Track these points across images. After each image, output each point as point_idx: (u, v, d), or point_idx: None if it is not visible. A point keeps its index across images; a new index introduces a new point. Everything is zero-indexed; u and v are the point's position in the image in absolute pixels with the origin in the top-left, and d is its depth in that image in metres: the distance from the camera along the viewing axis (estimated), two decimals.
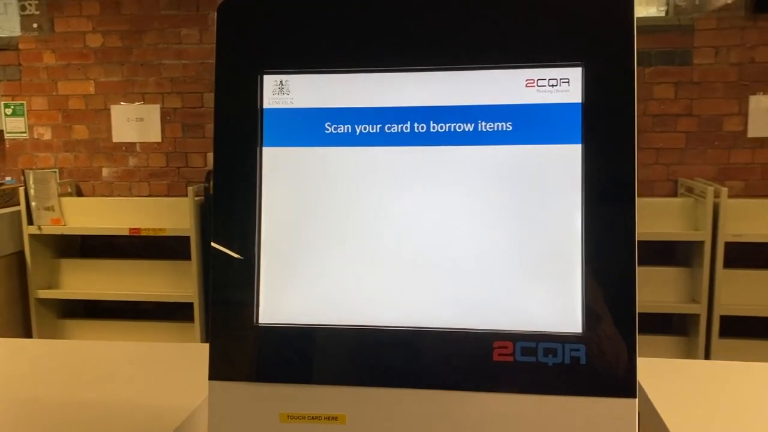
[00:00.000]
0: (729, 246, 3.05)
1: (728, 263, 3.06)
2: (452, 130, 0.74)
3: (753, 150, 3.36)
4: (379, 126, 0.75)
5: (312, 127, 0.76)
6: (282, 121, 0.77)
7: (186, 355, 1.28)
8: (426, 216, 0.74)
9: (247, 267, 0.75)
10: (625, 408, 0.69)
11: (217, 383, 0.75)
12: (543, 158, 0.72)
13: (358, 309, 0.75)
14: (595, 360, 0.70)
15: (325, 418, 0.74)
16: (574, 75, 0.72)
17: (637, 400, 0.69)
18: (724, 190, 3.02)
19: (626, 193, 0.70)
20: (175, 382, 1.13)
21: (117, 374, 1.18)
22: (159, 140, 3.82)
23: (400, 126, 0.75)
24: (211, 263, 0.76)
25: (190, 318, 3.54)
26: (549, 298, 0.72)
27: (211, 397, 0.75)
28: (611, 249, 0.70)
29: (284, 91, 0.77)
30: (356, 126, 0.75)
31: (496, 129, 0.73)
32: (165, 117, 3.81)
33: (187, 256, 3.47)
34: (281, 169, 0.77)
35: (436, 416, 0.72)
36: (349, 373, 0.73)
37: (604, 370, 0.69)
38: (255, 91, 0.77)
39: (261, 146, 0.77)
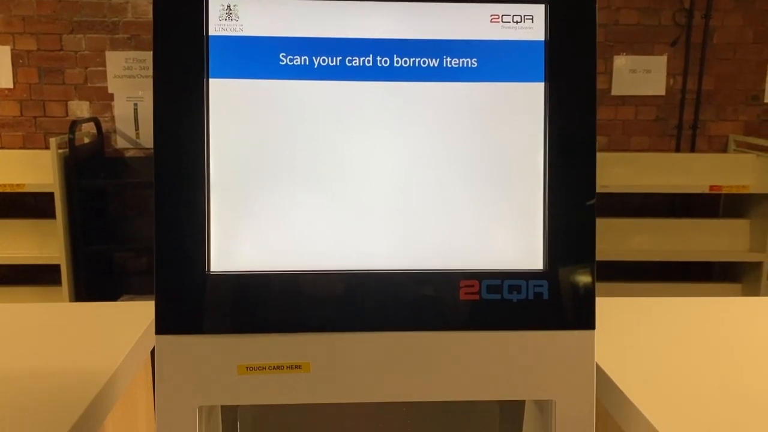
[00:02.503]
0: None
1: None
2: (417, 65, 0.71)
3: (616, 107, 3.61)
4: (339, 58, 0.71)
5: (265, 58, 0.70)
6: (230, 51, 0.70)
7: (89, 315, 1.18)
8: (388, 156, 0.72)
9: (196, 212, 0.69)
10: (585, 339, 0.72)
11: (165, 338, 0.69)
12: (507, 96, 0.72)
13: (318, 253, 0.71)
14: (557, 295, 0.71)
15: (288, 367, 0.70)
16: (538, 12, 0.72)
17: (595, 331, 0.72)
18: None
19: (587, 131, 0.72)
20: (84, 344, 1.03)
21: (17, 339, 1.06)
22: (10, 86, 3.43)
23: (361, 59, 0.71)
24: (154, 208, 0.69)
25: (56, 281, 3.27)
26: (513, 237, 0.72)
27: (159, 353, 0.69)
28: (573, 187, 0.72)
29: (232, 17, 0.70)
30: (314, 58, 0.70)
31: (461, 65, 0.71)
32: (17, 60, 3.42)
33: (50, 215, 3.17)
34: (230, 103, 0.70)
35: (404, 357, 0.71)
36: (311, 320, 0.70)
37: (566, 304, 0.71)
38: (199, 17, 0.69)
39: (207, 77, 0.70)
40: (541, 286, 0.71)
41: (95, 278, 3.35)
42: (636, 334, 1.10)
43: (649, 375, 0.94)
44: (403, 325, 0.71)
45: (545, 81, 0.71)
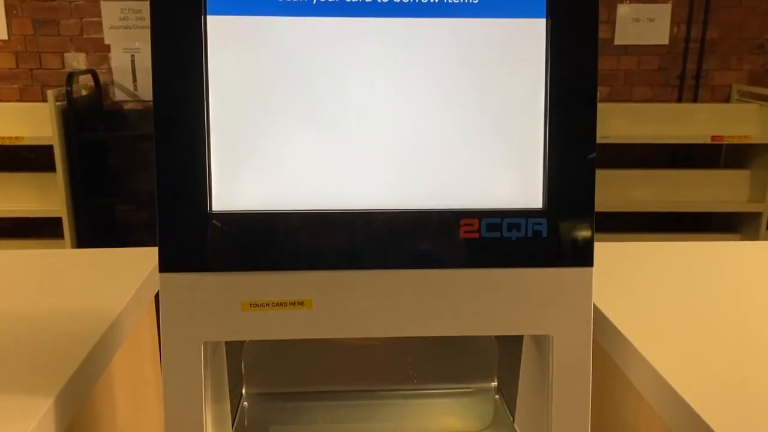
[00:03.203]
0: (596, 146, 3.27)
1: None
2: (417, 0, 0.70)
3: (618, 57, 3.57)
4: None
5: None
6: None
7: (92, 260, 1.19)
8: (388, 94, 0.71)
9: (196, 151, 0.69)
10: (583, 276, 0.73)
11: (168, 275, 0.70)
12: (508, 33, 0.71)
13: (319, 193, 0.71)
14: (556, 233, 0.72)
15: (290, 304, 0.71)
16: None
17: (593, 268, 0.73)
18: None
19: (589, 68, 0.71)
20: (89, 288, 1.05)
21: (26, 284, 1.08)
22: (5, 38, 3.39)
23: None
24: (155, 148, 0.69)
25: (58, 234, 3.29)
26: (512, 176, 0.72)
27: (163, 291, 0.70)
28: (573, 125, 0.71)
29: None
30: None
31: (461, 0, 0.70)
32: (10, 11, 3.36)
33: (50, 168, 3.17)
34: (229, 40, 0.70)
35: (404, 294, 0.72)
36: (312, 258, 0.71)
37: (564, 241, 0.72)
38: None
39: (205, 14, 0.69)
40: (540, 224, 0.72)
41: (97, 231, 3.37)
42: (633, 276, 1.12)
43: (646, 314, 0.96)
44: (403, 264, 0.72)
45: (547, 17, 0.70)
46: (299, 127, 0.71)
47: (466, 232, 0.72)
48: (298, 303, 0.71)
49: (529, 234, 0.72)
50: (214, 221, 0.70)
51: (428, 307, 0.72)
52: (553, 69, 0.71)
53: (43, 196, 3.29)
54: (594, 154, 0.72)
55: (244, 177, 0.71)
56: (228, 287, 0.70)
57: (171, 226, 0.70)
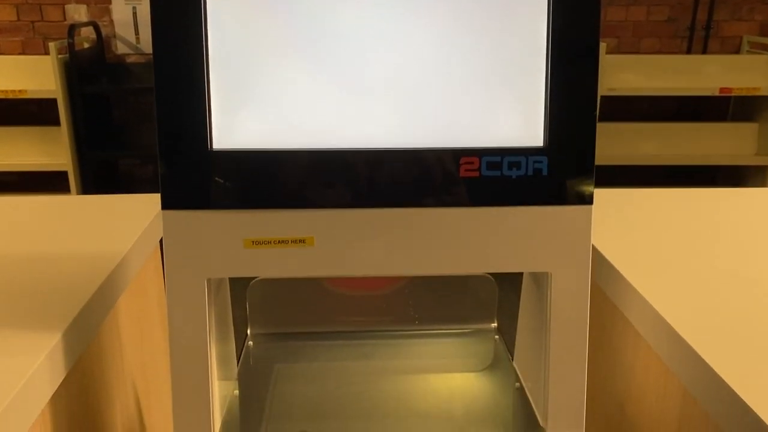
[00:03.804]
0: (603, 99, 3.24)
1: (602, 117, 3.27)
2: None
3: (627, 7, 3.50)
4: None
5: None
6: None
7: (97, 205, 1.20)
8: (389, 32, 0.71)
9: (195, 89, 0.69)
10: (583, 213, 0.73)
11: (171, 213, 0.71)
12: None
13: (319, 131, 0.71)
14: (557, 171, 0.72)
15: (292, 241, 0.72)
16: None
17: (592, 206, 0.73)
18: (603, 45, 3.16)
19: (592, 4, 0.70)
20: (94, 232, 1.06)
21: (32, 228, 1.09)
22: None
23: None
24: (155, 87, 0.69)
25: (63, 188, 3.31)
26: (513, 113, 0.72)
27: (166, 228, 0.71)
28: (575, 63, 0.71)
29: None
30: None
31: None
32: None
33: (54, 122, 3.17)
34: None
35: (405, 233, 0.72)
36: (313, 196, 0.71)
37: (565, 179, 0.72)
38: None
39: None
40: (540, 162, 0.72)
41: (102, 185, 3.38)
42: (634, 221, 1.12)
43: (645, 256, 0.97)
44: (403, 202, 0.72)
45: None
46: (299, 65, 0.70)
47: (466, 170, 0.72)
48: (300, 241, 0.72)
49: (530, 172, 0.72)
50: (214, 159, 0.70)
51: (428, 246, 0.73)
52: (556, 6, 0.70)
53: (48, 149, 3.29)
54: (595, 93, 0.72)
55: (244, 115, 0.71)
56: (230, 225, 0.71)
57: (172, 165, 0.70)
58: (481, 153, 0.72)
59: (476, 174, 0.72)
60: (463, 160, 0.72)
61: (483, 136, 0.72)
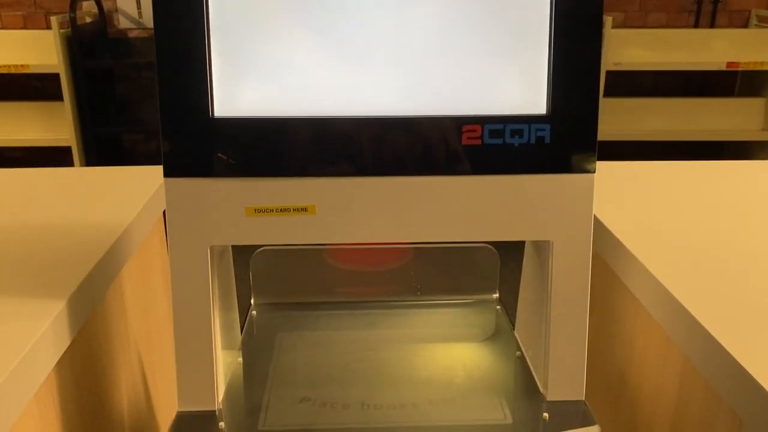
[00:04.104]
0: (608, 74, 3.22)
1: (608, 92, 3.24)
2: None
3: None
4: None
5: None
6: None
7: (100, 177, 1.21)
8: None
9: (196, 57, 0.69)
10: (585, 182, 0.73)
11: (173, 180, 0.71)
12: None
13: (321, 99, 0.71)
14: (559, 139, 0.72)
15: (294, 209, 0.72)
16: None
17: (594, 175, 0.73)
18: (609, 20, 3.12)
19: None
20: (97, 203, 1.06)
21: (36, 199, 1.10)
22: None
23: None
24: (155, 52, 0.68)
25: (68, 164, 3.31)
26: (516, 81, 0.72)
27: (168, 195, 0.71)
28: (578, 31, 0.70)
29: None
30: None
31: None
32: None
33: (57, 97, 3.16)
34: None
35: (406, 201, 0.73)
36: (315, 165, 0.71)
37: (567, 148, 0.72)
38: None
39: None
40: (543, 130, 0.72)
41: (106, 161, 3.38)
42: (636, 192, 1.12)
43: (647, 227, 0.97)
44: (405, 170, 0.72)
45: None
46: (301, 32, 0.70)
47: (468, 138, 0.72)
48: (302, 209, 0.72)
49: (532, 140, 0.72)
50: (215, 127, 0.70)
51: (430, 214, 0.73)
52: None
53: (52, 125, 3.29)
54: (599, 61, 0.71)
55: (245, 83, 0.70)
56: (232, 193, 0.71)
57: (174, 132, 0.70)
58: (483, 121, 0.71)
59: (478, 142, 0.72)
60: (465, 128, 0.71)
61: (485, 104, 0.72)
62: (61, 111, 3.18)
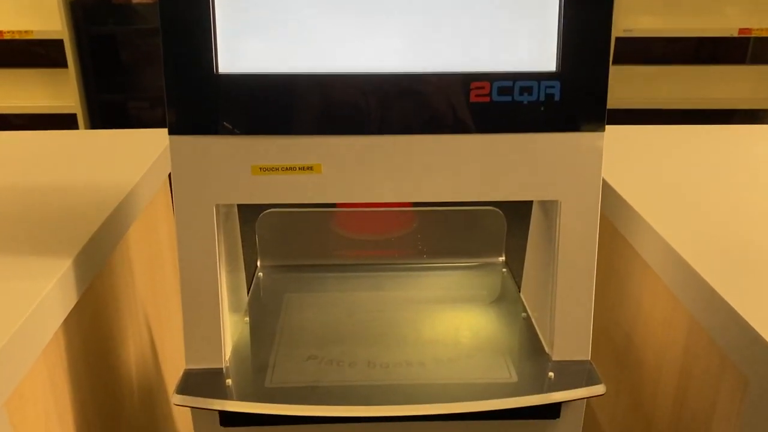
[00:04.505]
0: (618, 41, 3.17)
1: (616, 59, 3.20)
2: None
3: None
4: None
5: None
6: None
7: (106, 140, 1.20)
8: None
9: (200, 12, 0.67)
10: (594, 141, 0.72)
11: (177, 138, 0.70)
12: None
13: (328, 55, 0.70)
14: (569, 96, 0.71)
15: (299, 168, 0.72)
16: None
17: (605, 133, 0.72)
18: None
19: None
20: (103, 165, 1.06)
21: (41, 161, 1.09)
22: None
23: None
24: (159, 8, 0.67)
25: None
26: (526, 38, 0.70)
27: (173, 153, 0.71)
28: None
29: None
30: None
31: None
32: None
33: (62, 64, 3.14)
34: None
35: (413, 160, 0.72)
36: (321, 123, 0.71)
37: (577, 105, 0.71)
38: None
39: None
40: (552, 87, 0.70)
41: (111, 128, 3.37)
42: (644, 155, 1.11)
43: (655, 188, 0.96)
44: (412, 128, 0.71)
45: None
46: None
47: (476, 95, 0.70)
48: (307, 168, 0.72)
49: (542, 97, 0.71)
50: (220, 83, 0.69)
51: (437, 173, 0.72)
52: None
53: (57, 92, 3.27)
54: (610, 17, 0.69)
55: (250, 38, 0.69)
56: (237, 151, 0.71)
57: (177, 89, 0.69)
58: (492, 78, 0.70)
59: (487, 99, 0.71)
60: (473, 84, 0.70)
61: (494, 61, 0.71)
62: (66, 78, 3.16)
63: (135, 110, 3.63)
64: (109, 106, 3.36)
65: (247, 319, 0.88)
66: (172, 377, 1.17)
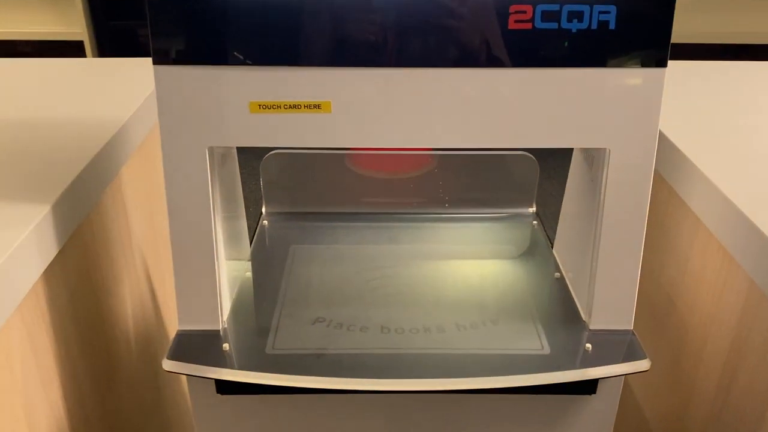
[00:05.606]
0: None
1: None
2: None
3: None
4: None
5: None
6: None
7: (106, 69, 1.11)
8: None
9: None
10: (655, 79, 0.61)
11: (163, 68, 0.60)
12: None
13: None
14: (627, 24, 0.59)
15: (305, 106, 0.61)
16: None
17: (666, 69, 0.61)
18: None
19: None
20: (100, 96, 0.97)
21: (34, 91, 1.00)
22: None
23: None
24: None
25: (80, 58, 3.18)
26: None
27: (159, 87, 0.61)
28: None
29: None
30: None
31: None
32: None
33: None
34: None
35: (440, 99, 0.61)
36: (333, 53, 0.60)
37: (636, 36, 0.59)
38: None
39: None
40: (607, 12, 0.59)
41: (119, 56, 3.25)
42: (694, 96, 0.99)
43: (706, 135, 0.85)
44: (438, 61, 0.60)
45: None
46: None
47: (516, 21, 0.59)
48: (314, 106, 0.61)
49: (593, 25, 0.59)
50: (212, 5, 0.58)
51: (466, 115, 0.62)
52: None
53: (63, 18, 3.15)
54: None
55: None
56: (233, 84, 0.61)
57: (164, 11, 0.59)
58: (535, 0, 0.59)
59: (528, 26, 0.59)
60: (512, 8, 0.59)
61: None
62: (73, 2, 3.03)
63: (145, 38, 3.49)
64: (118, 33, 3.23)
65: (249, 273, 0.80)
66: (175, 330, 1.11)
